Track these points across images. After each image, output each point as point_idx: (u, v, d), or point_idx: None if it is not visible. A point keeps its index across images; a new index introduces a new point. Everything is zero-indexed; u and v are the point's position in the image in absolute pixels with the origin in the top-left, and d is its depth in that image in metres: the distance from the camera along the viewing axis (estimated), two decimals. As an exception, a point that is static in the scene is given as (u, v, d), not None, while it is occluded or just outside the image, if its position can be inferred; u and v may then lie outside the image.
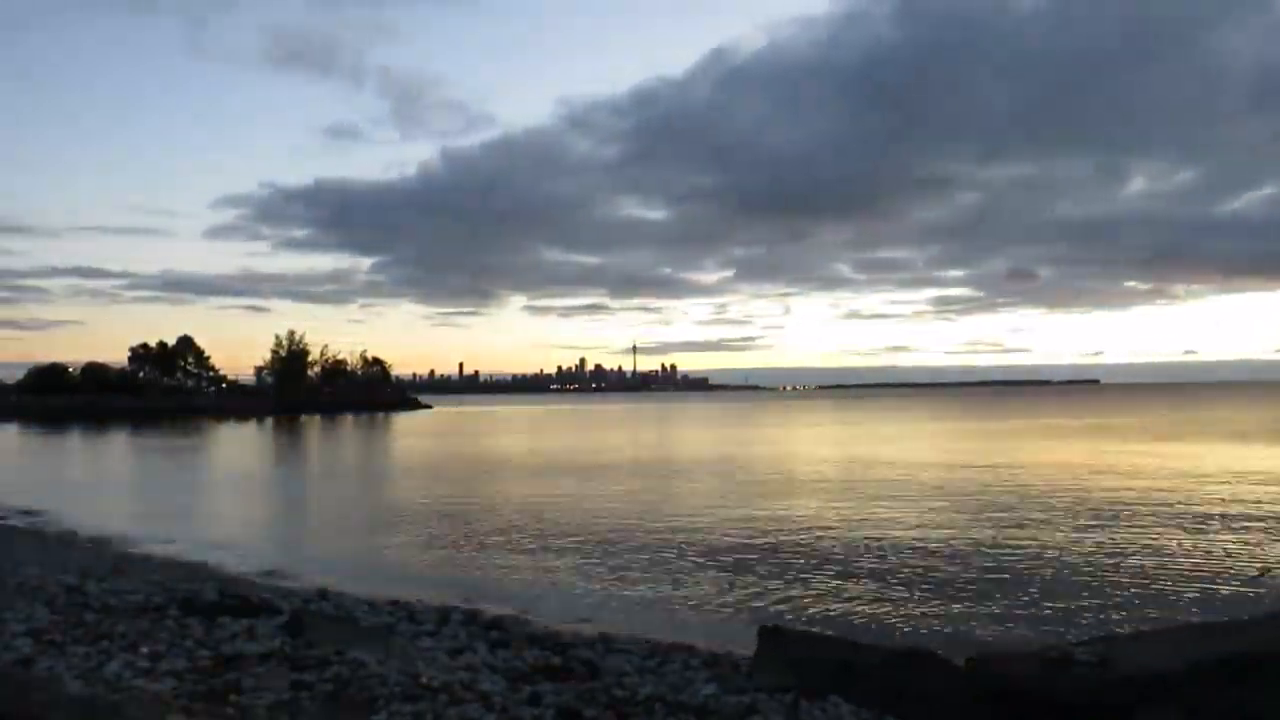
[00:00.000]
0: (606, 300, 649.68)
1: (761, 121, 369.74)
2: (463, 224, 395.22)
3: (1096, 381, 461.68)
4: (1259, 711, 5.80)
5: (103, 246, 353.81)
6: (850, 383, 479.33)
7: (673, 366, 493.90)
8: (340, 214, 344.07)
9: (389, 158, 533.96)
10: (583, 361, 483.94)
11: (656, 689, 7.05)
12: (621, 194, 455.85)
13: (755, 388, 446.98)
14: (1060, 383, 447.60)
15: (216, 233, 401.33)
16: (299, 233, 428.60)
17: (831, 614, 11.91)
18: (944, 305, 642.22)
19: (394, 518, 22.09)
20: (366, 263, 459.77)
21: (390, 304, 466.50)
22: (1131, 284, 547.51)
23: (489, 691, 6.44)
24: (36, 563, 14.03)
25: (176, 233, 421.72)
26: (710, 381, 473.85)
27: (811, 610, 12.11)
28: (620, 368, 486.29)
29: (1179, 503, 21.74)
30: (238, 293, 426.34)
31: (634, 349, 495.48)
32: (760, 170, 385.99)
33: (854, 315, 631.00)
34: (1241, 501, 21.77)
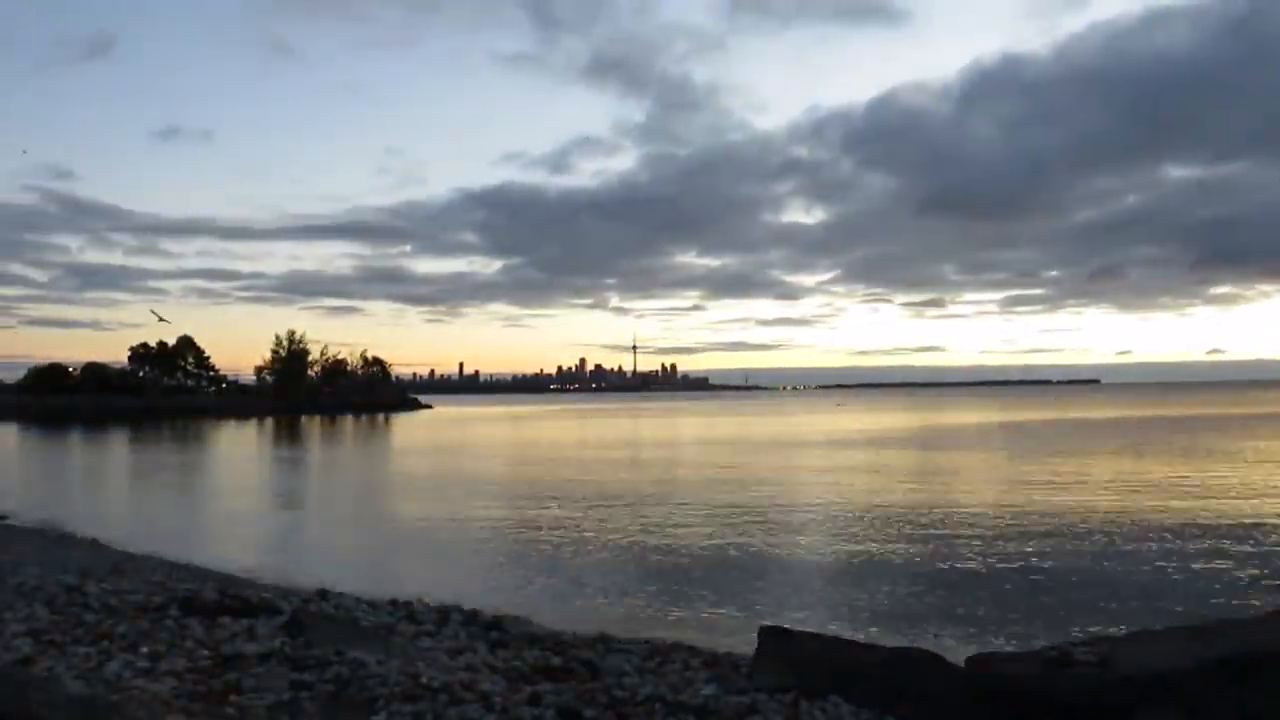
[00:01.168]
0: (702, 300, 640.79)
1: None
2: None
3: (1097, 381, 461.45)
4: (1259, 711, 5.80)
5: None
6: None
7: (673, 366, 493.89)
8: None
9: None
10: (583, 361, 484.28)
11: (656, 689, 7.04)
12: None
13: (756, 387, 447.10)
14: (1059, 382, 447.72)
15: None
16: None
17: (831, 614, 11.91)
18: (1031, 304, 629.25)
19: (394, 517, 22.09)
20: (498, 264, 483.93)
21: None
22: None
23: (489, 692, 6.44)
24: (36, 563, 14.03)
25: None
26: (710, 381, 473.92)
27: (811, 610, 12.12)
28: (620, 367, 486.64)
29: (1175, 502, 21.74)
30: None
31: (634, 348, 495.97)
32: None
33: (920, 314, 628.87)
34: (1240, 502, 21.77)
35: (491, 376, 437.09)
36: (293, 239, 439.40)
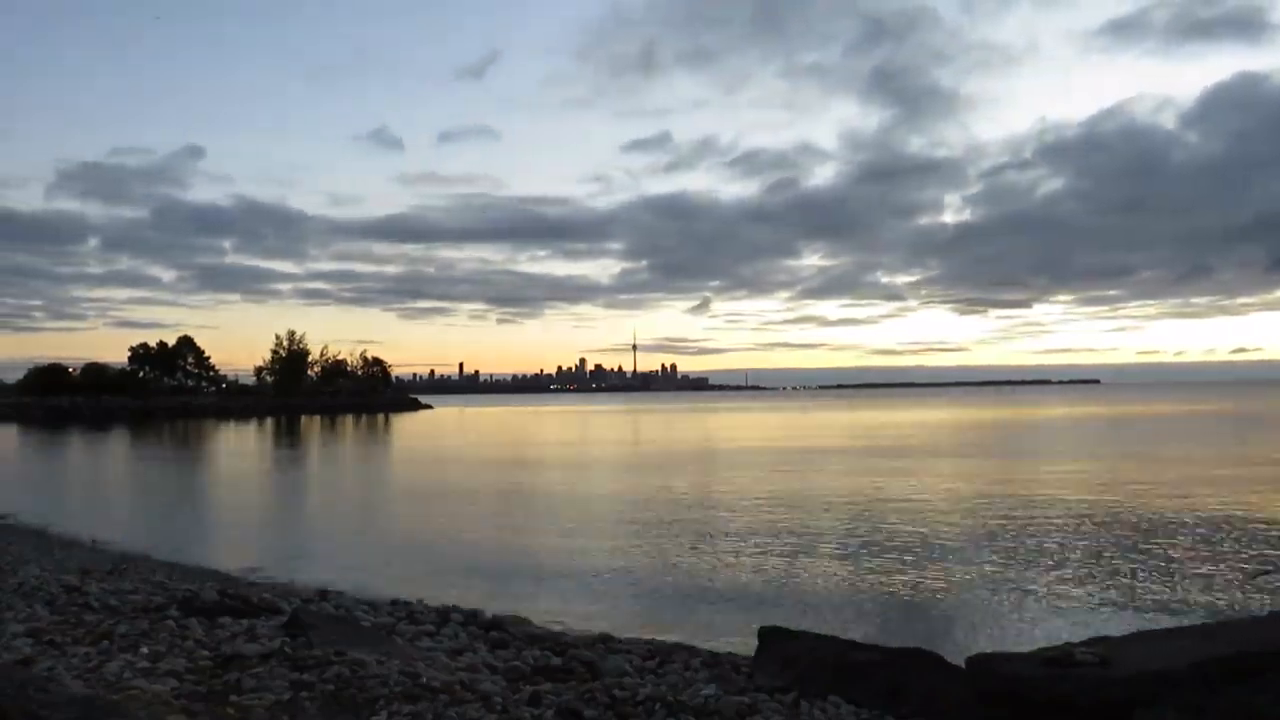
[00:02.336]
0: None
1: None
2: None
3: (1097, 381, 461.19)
4: (1259, 711, 5.80)
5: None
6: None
7: (673, 366, 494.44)
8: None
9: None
10: (583, 361, 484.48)
11: (657, 689, 7.04)
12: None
13: (756, 388, 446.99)
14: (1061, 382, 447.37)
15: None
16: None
17: (831, 614, 11.91)
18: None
19: (394, 518, 22.10)
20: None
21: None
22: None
23: (489, 692, 6.44)
24: (36, 563, 14.04)
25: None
26: (710, 382, 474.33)
27: (811, 610, 12.12)
28: (620, 367, 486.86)
29: (1176, 503, 21.74)
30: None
31: (634, 348, 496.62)
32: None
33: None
34: (1239, 502, 21.77)
35: (491, 376, 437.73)
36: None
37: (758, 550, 16.56)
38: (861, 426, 67.57)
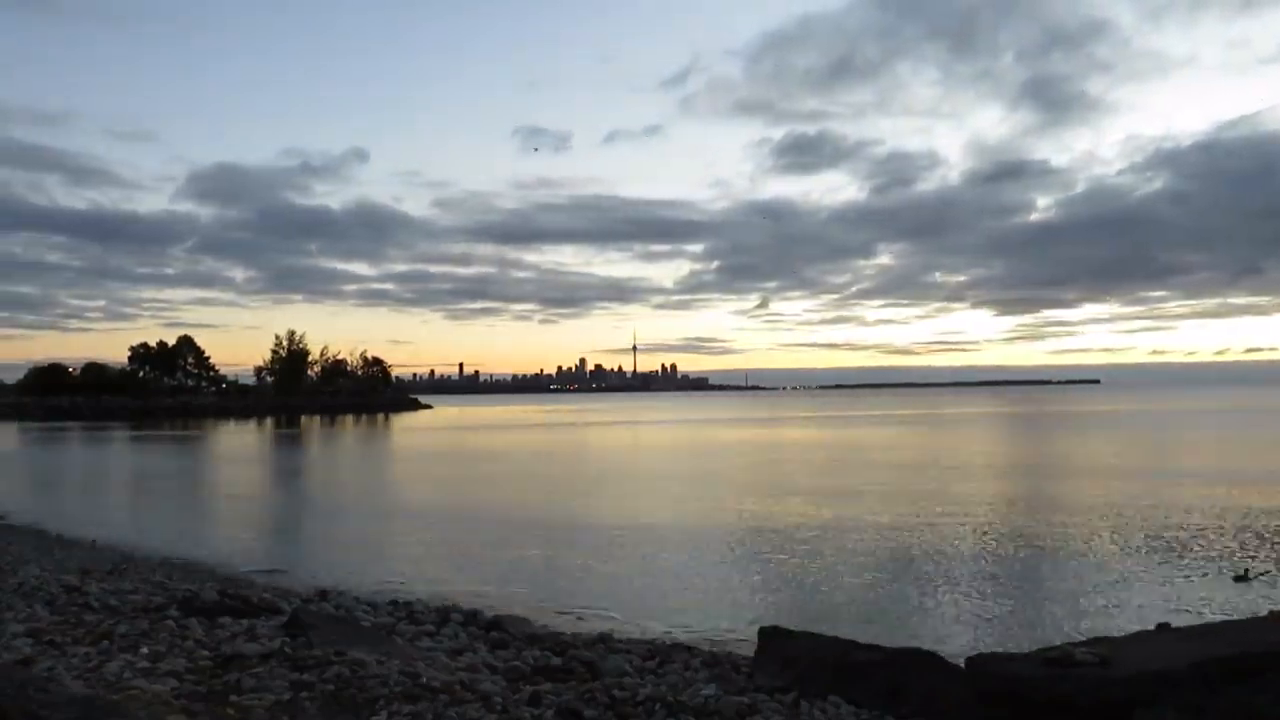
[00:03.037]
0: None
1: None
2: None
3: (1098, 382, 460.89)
4: (1259, 711, 5.80)
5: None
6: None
7: (673, 366, 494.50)
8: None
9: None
10: (583, 361, 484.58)
11: (656, 689, 7.04)
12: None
13: (756, 388, 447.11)
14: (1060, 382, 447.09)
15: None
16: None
17: (831, 614, 11.91)
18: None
19: (394, 518, 22.10)
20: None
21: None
22: None
23: (489, 692, 6.44)
24: (36, 563, 14.04)
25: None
26: (710, 381, 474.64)
27: (811, 610, 12.12)
28: (620, 367, 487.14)
29: (1175, 503, 21.73)
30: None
31: (634, 348, 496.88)
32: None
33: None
34: (1238, 502, 21.77)
35: (491, 376, 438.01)
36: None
37: (757, 550, 16.56)
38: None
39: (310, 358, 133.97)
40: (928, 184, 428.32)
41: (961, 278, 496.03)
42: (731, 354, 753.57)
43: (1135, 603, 12.32)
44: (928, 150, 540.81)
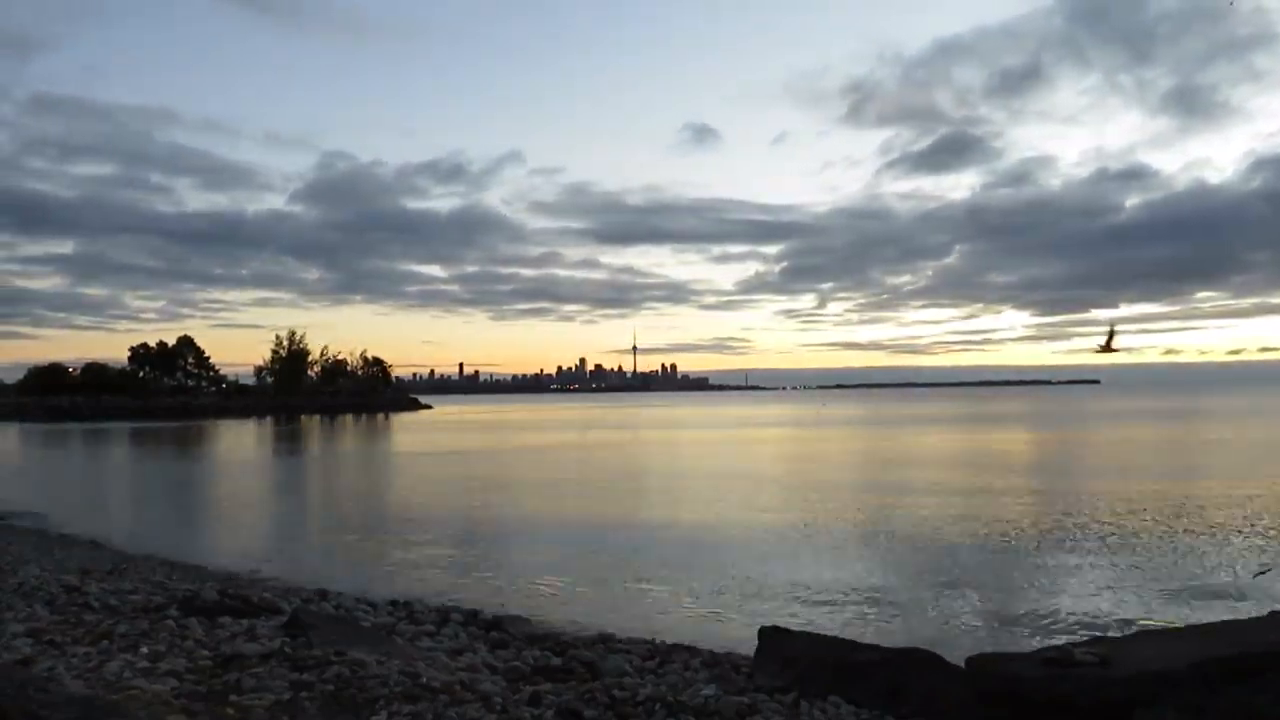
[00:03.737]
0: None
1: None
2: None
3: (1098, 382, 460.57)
4: (1259, 711, 5.80)
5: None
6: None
7: (673, 366, 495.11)
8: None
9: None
10: (583, 361, 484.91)
11: (657, 689, 7.04)
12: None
13: (756, 388, 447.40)
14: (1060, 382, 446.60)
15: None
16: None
17: (831, 614, 11.91)
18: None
19: (394, 518, 22.10)
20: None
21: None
22: None
23: (489, 692, 6.44)
24: (36, 563, 14.04)
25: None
26: (710, 382, 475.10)
27: (811, 610, 12.12)
28: (620, 367, 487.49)
29: (1175, 502, 21.73)
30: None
31: (634, 349, 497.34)
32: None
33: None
34: (1239, 501, 21.77)
35: (491, 376, 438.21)
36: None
37: (757, 550, 16.56)
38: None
39: (310, 358, 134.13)
40: (1033, 188, 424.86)
41: (1012, 278, 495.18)
42: (748, 354, 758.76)
43: (1135, 602, 12.33)
44: (1051, 155, 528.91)
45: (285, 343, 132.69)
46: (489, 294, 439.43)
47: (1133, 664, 6.19)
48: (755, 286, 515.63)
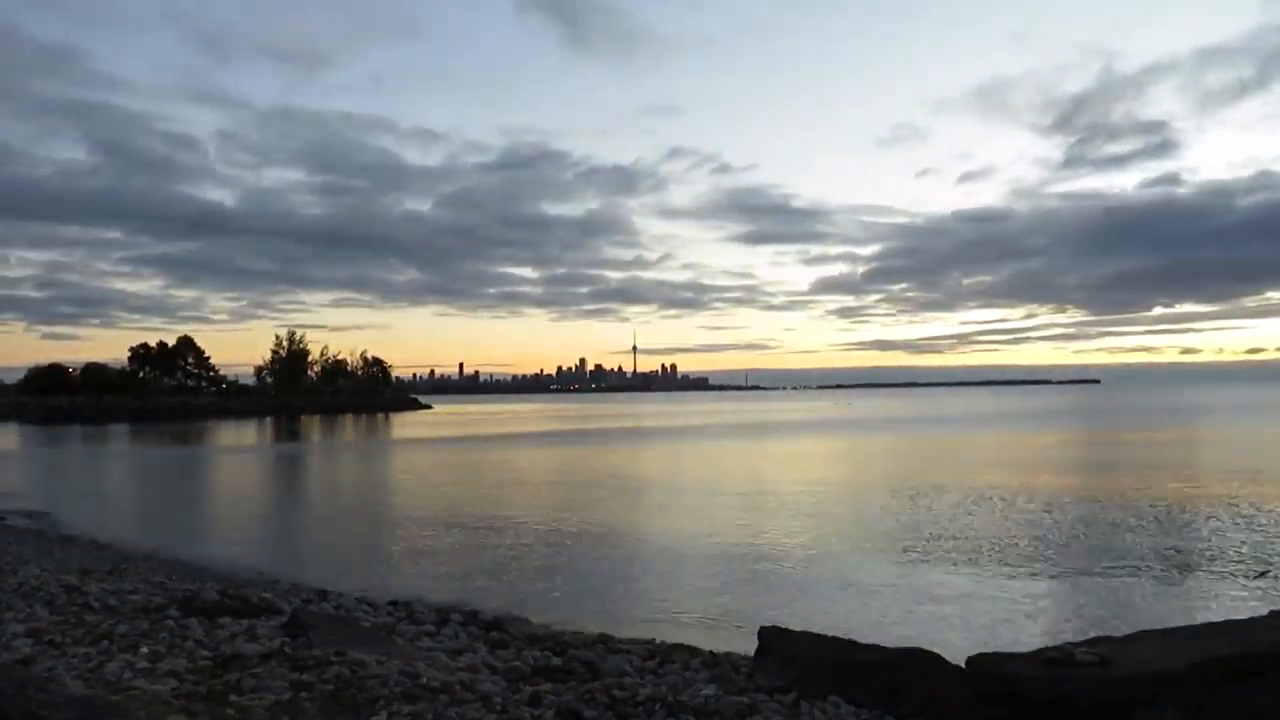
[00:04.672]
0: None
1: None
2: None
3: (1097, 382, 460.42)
4: (1259, 711, 5.80)
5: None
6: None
7: (673, 366, 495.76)
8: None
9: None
10: (583, 361, 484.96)
11: (657, 689, 7.04)
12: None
13: (756, 388, 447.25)
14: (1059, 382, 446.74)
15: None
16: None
17: (831, 614, 11.91)
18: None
19: (394, 518, 22.09)
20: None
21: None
22: None
23: (489, 692, 6.44)
24: (36, 563, 14.04)
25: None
26: (710, 382, 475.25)
27: (811, 610, 12.11)
28: (620, 367, 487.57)
29: (1176, 502, 21.73)
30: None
31: (634, 349, 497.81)
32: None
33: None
34: (1241, 501, 21.77)
35: (491, 377, 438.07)
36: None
37: (757, 550, 16.55)
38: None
39: (310, 358, 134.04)
40: (1155, 193, 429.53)
41: (1072, 279, 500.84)
42: (769, 353, 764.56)
43: (1136, 602, 12.33)
44: (1249, 166, 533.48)
45: (285, 343, 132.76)
46: (568, 295, 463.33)
47: (1133, 664, 6.19)
48: (822, 288, 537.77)
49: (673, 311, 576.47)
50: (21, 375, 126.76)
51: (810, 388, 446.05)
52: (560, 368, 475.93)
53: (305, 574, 14.78)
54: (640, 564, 15.59)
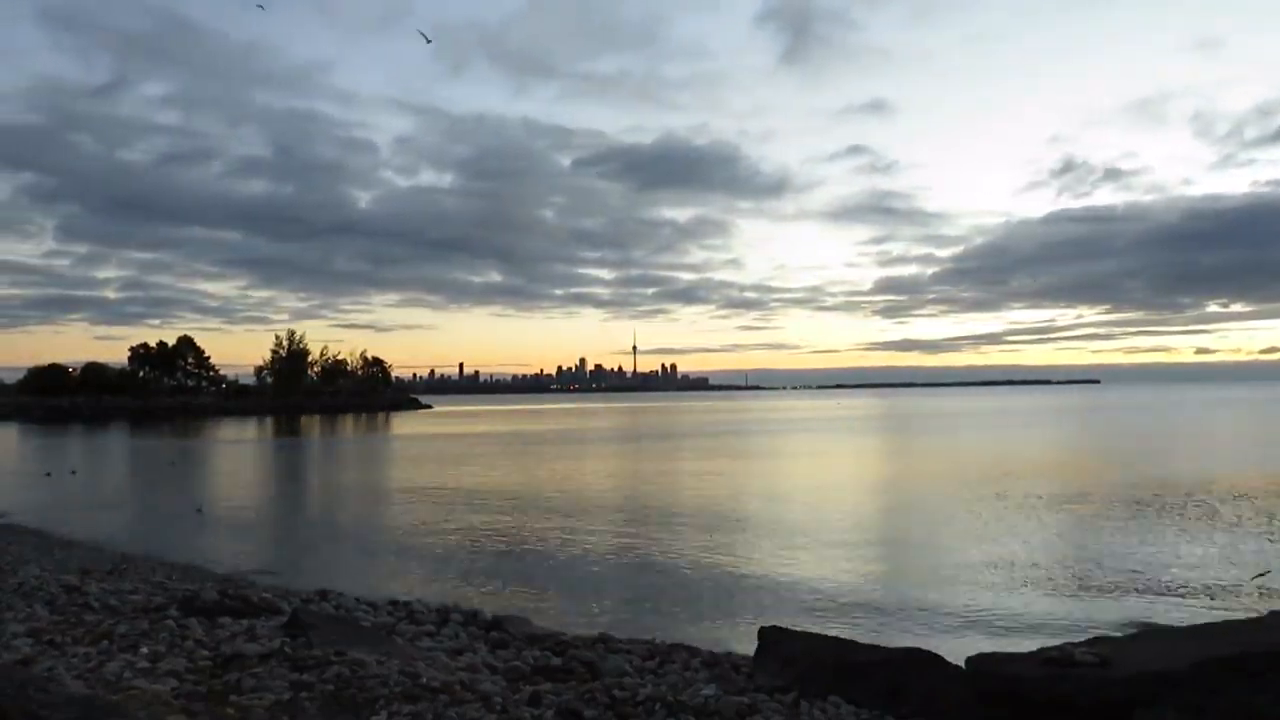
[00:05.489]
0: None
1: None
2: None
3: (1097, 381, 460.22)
4: (1259, 711, 5.80)
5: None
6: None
7: (673, 366, 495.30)
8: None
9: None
10: (583, 361, 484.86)
11: (657, 689, 7.04)
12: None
13: (756, 388, 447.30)
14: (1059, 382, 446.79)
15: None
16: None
17: (831, 614, 11.91)
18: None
19: (393, 518, 22.09)
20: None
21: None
22: None
23: (489, 692, 6.44)
24: (36, 563, 14.04)
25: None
26: (710, 382, 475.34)
27: (811, 610, 12.11)
28: (620, 367, 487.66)
29: (1175, 502, 21.73)
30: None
31: (634, 349, 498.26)
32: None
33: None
34: (1241, 501, 21.77)
35: (491, 377, 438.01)
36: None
37: (758, 550, 16.55)
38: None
39: (310, 358, 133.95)
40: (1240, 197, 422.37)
41: (1133, 282, 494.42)
42: (791, 353, 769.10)
43: (1136, 602, 12.33)
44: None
45: (285, 343, 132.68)
46: (636, 296, 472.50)
47: (1133, 664, 6.19)
48: (883, 288, 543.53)
49: (723, 312, 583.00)
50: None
51: (810, 388, 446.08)
52: (560, 368, 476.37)
53: (305, 574, 14.78)
54: (640, 564, 15.58)
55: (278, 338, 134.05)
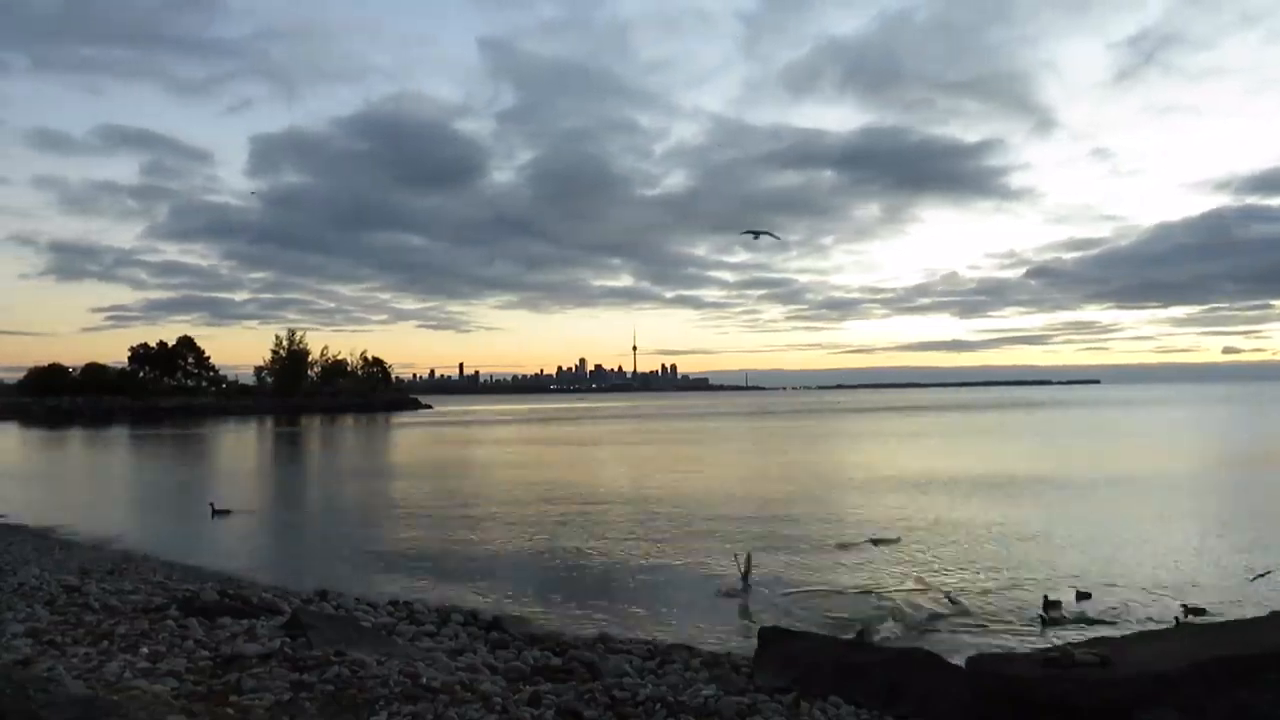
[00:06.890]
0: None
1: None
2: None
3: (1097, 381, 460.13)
4: (1259, 712, 5.80)
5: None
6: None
7: (673, 366, 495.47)
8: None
9: None
10: (583, 361, 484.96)
11: (657, 689, 7.04)
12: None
13: (757, 388, 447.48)
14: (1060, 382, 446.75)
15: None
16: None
17: (831, 614, 11.90)
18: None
19: (393, 519, 22.08)
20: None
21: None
22: None
23: (489, 692, 6.44)
24: (36, 563, 14.03)
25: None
26: (710, 382, 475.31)
27: (812, 610, 12.11)
28: (620, 367, 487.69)
29: (1175, 502, 21.74)
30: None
31: (634, 349, 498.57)
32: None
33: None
34: (1242, 501, 21.78)
35: (491, 377, 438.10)
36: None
37: (757, 550, 16.54)
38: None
39: (310, 358, 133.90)
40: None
41: (1137, 281, 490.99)
42: (815, 353, 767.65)
43: (1136, 601, 12.32)
44: None
45: (285, 343, 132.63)
46: (689, 298, 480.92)
47: (1133, 664, 6.19)
48: (919, 292, 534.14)
49: (774, 311, 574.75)
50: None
51: (810, 388, 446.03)
52: (560, 368, 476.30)
53: (305, 574, 14.77)
54: (641, 564, 15.58)
55: (278, 338, 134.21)
